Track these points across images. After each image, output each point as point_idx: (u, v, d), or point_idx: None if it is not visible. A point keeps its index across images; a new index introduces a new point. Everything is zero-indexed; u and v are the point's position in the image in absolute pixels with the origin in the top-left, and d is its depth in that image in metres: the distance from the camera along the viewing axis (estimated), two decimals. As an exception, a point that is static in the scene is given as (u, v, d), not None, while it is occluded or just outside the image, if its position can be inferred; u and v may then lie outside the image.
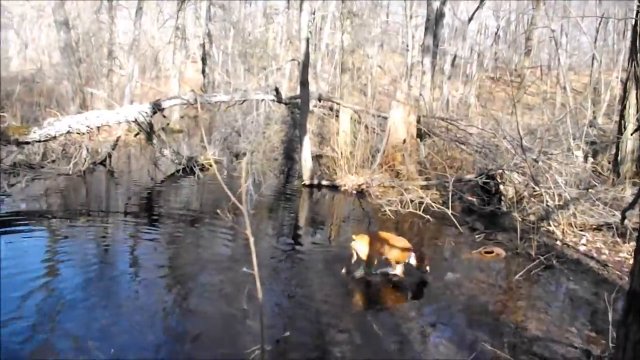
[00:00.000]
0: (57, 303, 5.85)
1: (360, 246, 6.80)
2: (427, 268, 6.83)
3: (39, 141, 11.77)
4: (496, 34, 36.55)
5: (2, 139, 10.99)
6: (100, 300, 6.00)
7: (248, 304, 5.85)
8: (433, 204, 9.94)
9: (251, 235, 3.24)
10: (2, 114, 17.21)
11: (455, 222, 9.14)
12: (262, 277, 6.70)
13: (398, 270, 6.85)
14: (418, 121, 13.57)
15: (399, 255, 6.80)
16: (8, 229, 8.68)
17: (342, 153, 12.77)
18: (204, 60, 30.60)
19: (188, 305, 6.02)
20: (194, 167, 13.38)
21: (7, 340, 4.97)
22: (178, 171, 13.51)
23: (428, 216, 9.69)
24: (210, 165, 14.09)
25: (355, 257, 6.87)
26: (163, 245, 8.27)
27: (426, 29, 16.40)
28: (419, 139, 13.40)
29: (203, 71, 30.33)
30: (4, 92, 23.86)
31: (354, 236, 6.91)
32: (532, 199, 9.94)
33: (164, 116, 16.34)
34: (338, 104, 15.23)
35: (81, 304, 5.86)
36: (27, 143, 11.69)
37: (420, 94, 15.36)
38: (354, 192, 11.76)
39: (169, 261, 7.59)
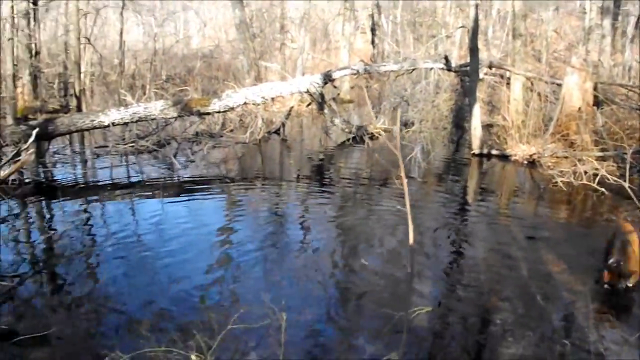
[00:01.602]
0: (235, 259, 6.50)
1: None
2: None
3: (219, 112, 12.86)
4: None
5: (186, 110, 12.11)
6: (274, 257, 6.59)
7: (415, 267, 6.12)
8: (609, 177, 9.44)
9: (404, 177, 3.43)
10: (185, 87, 18.80)
11: (633, 196, 8.66)
12: (426, 244, 6.98)
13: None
14: (595, 88, 12.88)
15: None
16: (192, 192, 9.72)
17: (513, 122, 12.48)
18: (373, 30, 30.81)
19: (353, 265, 6.35)
20: (364, 135, 13.77)
21: (193, 290, 5.60)
22: (348, 140, 13.98)
23: (603, 189, 9.22)
24: (380, 134, 14.42)
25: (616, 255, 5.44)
26: (334, 209, 8.77)
27: (607, -12, 15.38)
28: (595, 107, 12.72)
29: (372, 41, 30.55)
30: (186, 68, 25.87)
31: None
32: None
33: (335, 86, 16.82)
34: (510, 71, 14.82)
35: (257, 260, 6.46)
36: (208, 114, 12.81)
37: (599, 59, 14.52)
38: (525, 162, 11.50)
39: (338, 223, 8.01)
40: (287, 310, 4.64)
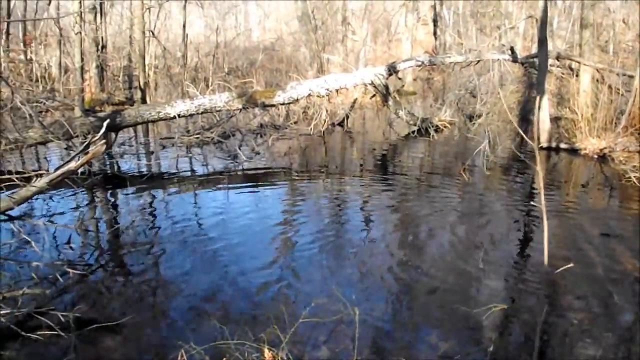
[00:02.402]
0: (302, 251, 6.57)
1: None
2: None
3: (283, 104, 12.98)
4: None
5: (251, 102, 12.30)
6: (341, 249, 6.67)
7: (484, 264, 6.11)
8: (685, 173, 9.16)
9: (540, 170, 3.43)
10: (248, 80, 19.04)
11: None
12: (494, 237, 6.94)
13: None
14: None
15: None
16: (257, 183, 9.91)
17: (582, 114, 12.20)
18: (435, 21, 30.55)
19: (422, 259, 6.38)
20: (429, 128, 13.70)
21: (261, 282, 5.71)
22: (412, 132, 13.95)
23: (678, 185, 8.96)
24: (445, 127, 14.34)
25: None
26: (396, 202, 8.80)
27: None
28: (671, 100, 12.30)
29: (434, 33, 30.29)
30: (248, 61, 26.15)
31: None
32: None
33: (399, 78, 16.79)
34: (578, 62, 14.49)
35: (324, 252, 6.53)
36: (272, 106, 12.97)
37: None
38: (595, 156, 11.24)
39: (401, 217, 8.07)
40: (357, 305, 4.76)
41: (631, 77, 13.16)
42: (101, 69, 19.53)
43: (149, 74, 21.51)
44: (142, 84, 19.84)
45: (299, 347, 4.37)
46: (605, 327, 4.77)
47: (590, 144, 11.48)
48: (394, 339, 4.68)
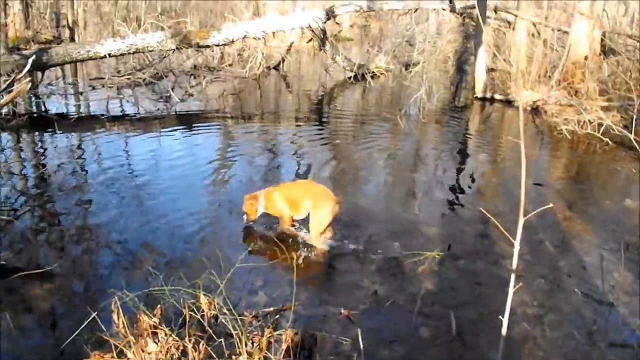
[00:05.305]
0: (229, 195, 6.33)
1: None
2: None
3: (218, 45, 12.54)
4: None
5: (185, 42, 11.83)
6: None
7: (420, 210, 6.11)
8: (614, 127, 9.38)
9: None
10: (182, 20, 18.37)
11: (638, 147, 8.63)
12: (432, 186, 6.98)
13: None
14: (602, 37, 12.70)
15: None
16: (190, 126, 9.58)
17: (517, 67, 12.36)
18: (373, -33, 30.10)
19: (358, 203, 6.24)
20: (365, 74, 13.61)
21: (193, 227, 5.53)
22: (349, 78, 13.83)
23: (607, 139, 9.13)
24: (381, 74, 14.29)
25: None
26: (331, 147, 8.69)
27: None
28: (602, 56, 12.58)
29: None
30: (183, 1, 25.24)
31: None
32: None
33: (337, 23, 16.58)
34: (515, 15, 14.59)
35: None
36: (207, 47, 12.50)
37: (604, 9, 14.23)
38: (529, 108, 11.42)
39: (335, 162, 7.94)
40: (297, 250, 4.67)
41: (565, 32, 13.36)
42: (26, 4, 18.36)
43: (77, 12, 20.40)
44: (70, 22, 18.82)
45: (235, 293, 4.25)
46: (534, 272, 4.84)
47: (524, 96, 11.65)
48: (332, 285, 4.60)
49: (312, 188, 5.34)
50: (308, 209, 5.21)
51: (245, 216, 5.31)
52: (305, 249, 5.06)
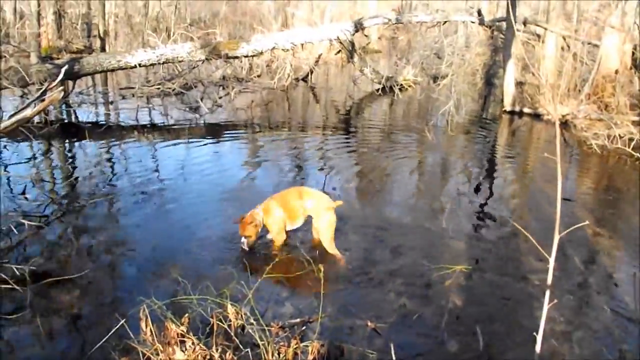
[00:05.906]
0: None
1: None
2: None
3: (247, 56, 12.62)
4: None
5: (214, 53, 11.96)
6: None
7: (448, 223, 6.05)
8: (646, 142, 9.26)
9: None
10: (211, 31, 18.56)
11: (670, 164, 8.48)
12: (458, 196, 6.93)
13: None
14: (634, 50, 12.54)
15: None
16: (218, 136, 9.68)
17: (546, 80, 12.25)
18: (401, -20, 30.14)
19: (384, 214, 6.27)
20: (393, 86, 13.61)
21: (222, 237, 5.48)
22: (377, 90, 13.84)
23: (638, 154, 8.96)
24: (409, 86, 14.28)
25: None
26: (358, 158, 8.71)
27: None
28: (633, 70, 12.42)
29: (401, -8, 29.92)
30: (211, 12, 25.49)
31: None
32: None
33: (365, 36, 16.61)
34: (544, 28, 14.48)
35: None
36: (236, 57, 12.60)
37: (635, 22, 14.04)
38: (558, 122, 11.28)
39: (362, 172, 7.96)
40: (321, 262, 4.64)
41: (596, 46, 13.22)
42: (59, 15, 18.70)
43: (108, 23, 20.78)
44: (101, 32, 19.15)
45: (261, 304, 4.24)
46: (562, 289, 4.73)
47: (554, 110, 11.54)
48: (359, 297, 4.56)
49: (308, 193, 5.33)
50: (307, 213, 5.23)
51: (245, 240, 5.11)
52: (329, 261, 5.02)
